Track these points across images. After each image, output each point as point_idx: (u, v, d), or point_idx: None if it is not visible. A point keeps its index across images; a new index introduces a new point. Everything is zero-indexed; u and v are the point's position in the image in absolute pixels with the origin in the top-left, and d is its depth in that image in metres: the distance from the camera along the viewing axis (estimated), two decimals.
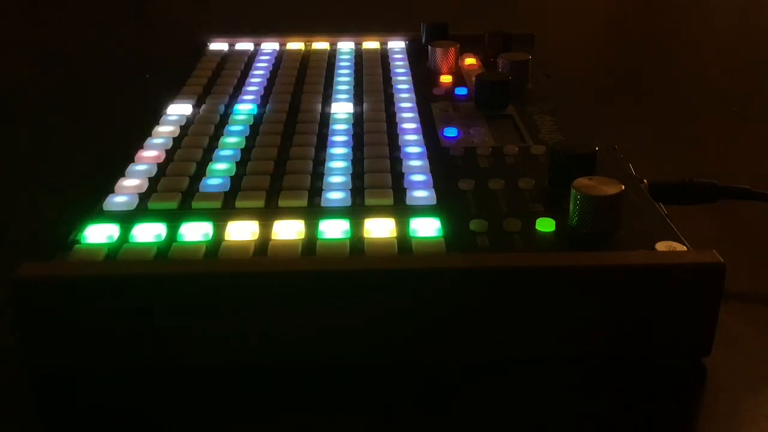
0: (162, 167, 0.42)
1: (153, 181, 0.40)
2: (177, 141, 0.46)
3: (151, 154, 0.44)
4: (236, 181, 0.40)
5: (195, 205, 0.38)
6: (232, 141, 0.45)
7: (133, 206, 0.38)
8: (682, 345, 0.33)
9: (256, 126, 0.48)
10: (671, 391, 0.32)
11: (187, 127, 0.48)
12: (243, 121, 0.48)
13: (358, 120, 0.49)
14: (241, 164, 0.42)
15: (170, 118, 0.49)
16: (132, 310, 0.31)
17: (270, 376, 0.33)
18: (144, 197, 0.39)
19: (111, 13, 1.05)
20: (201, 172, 0.42)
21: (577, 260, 0.32)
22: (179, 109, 0.50)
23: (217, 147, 0.45)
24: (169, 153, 0.44)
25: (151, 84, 0.71)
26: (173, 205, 0.38)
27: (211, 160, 0.43)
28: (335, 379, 0.33)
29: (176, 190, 0.39)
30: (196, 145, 0.45)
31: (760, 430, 0.30)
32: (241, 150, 0.44)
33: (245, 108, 0.51)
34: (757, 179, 0.45)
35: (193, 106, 0.51)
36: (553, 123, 0.48)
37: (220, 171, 0.41)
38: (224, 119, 0.49)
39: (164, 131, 0.47)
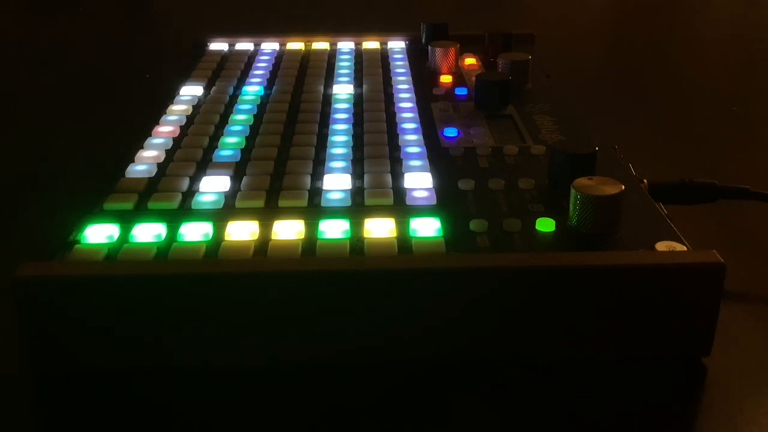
0: (163, 166, 0.42)
1: (155, 180, 0.41)
2: (177, 140, 0.46)
3: (151, 153, 0.44)
4: (236, 180, 0.40)
5: (195, 205, 0.38)
6: (232, 141, 0.45)
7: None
8: (682, 345, 0.33)
9: (256, 126, 0.48)
10: (671, 391, 0.32)
11: (187, 126, 0.48)
12: (243, 121, 0.48)
13: (358, 120, 0.49)
14: (241, 164, 0.42)
15: (170, 117, 0.49)
16: (132, 310, 0.31)
17: (270, 375, 0.33)
18: (144, 197, 0.39)
19: (111, 13, 1.06)
20: (201, 171, 0.42)
21: (577, 260, 0.32)
22: (180, 107, 0.51)
23: (217, 147, 0.45)
24: (169, 152, 0.44)
25: (151, 84, 0.71)
26: (173, 205, 0.38)
27: (211, 159, 0.43)
28: (335, 379, 0.33)
29: (176, 190, 0.39)
30: (196, 144, 0.45)
31: (760, 430, 0.30)
32: (242, 150, 0.44)
33: (245, 108, 0.51)
34: (756, 179, 0.45)
35: (194, 106, 0.51)
36: (553, 123, 0.48)
37: (220, 170, 0.41)
38: (224, 118, 0.49)
39: (164, 131, 0.47)
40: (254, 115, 0.49)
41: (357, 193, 0.39)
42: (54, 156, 0.55)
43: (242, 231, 0.35)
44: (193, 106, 0.51)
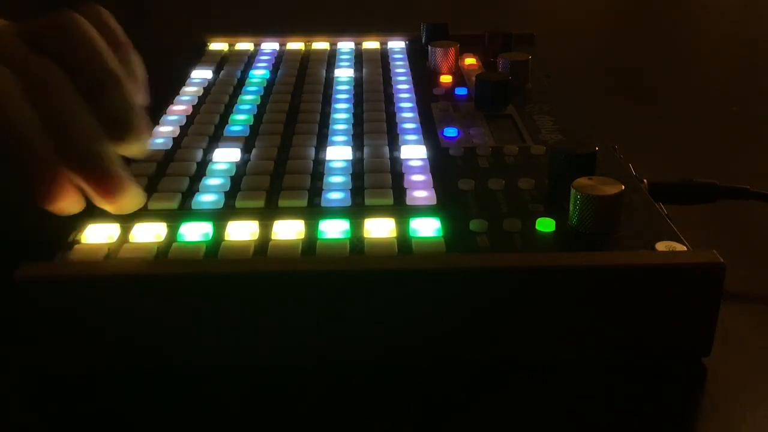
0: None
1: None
2: (177, 140, 0.46)
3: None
4: (236, 180, 0.40)
5: (195, 205, 0.38)
6: (232, 140, 0.45)
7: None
8: (682, 345, 0.33)
9: (256, 126, 0.48)
10: (671, 391, 0.32)
11: (187, 126, 0.48)
12: (243, 121, 0.48)
13: (358, 120, 0.49)
14: (241, 164, 0.42)
15: (171, 117, 0.49)
16: (132, 310, 0.31)
17: (270, 375, 0.33)
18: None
19: (110, 13, 1.05)
20: (201, 171, 0.42)
21: (577, 260, 0.32)
22: (181, 106, 0.51)
23: (217, 146, 0.45)
24: (169, 153, 0.44)
25: (151, 84, 0.71)
26: (173, 205, 0.38)
27: (211, 159, 0.43)
28: (335, 379, 0.33)
29: (176, 190, 0.39)
30: (196, 145, 0.45)
31: (760, 430, 0.30)
32: (242, 150, 0.44)
33: (246, 107, 0.51)
34: (756, 179, 0.45)
35: (194, 106, 0.51)
36: (553, 123, 0.48)
37: (220, 171, 0.41)
38: (225, 118, 0.49)
39: (164, 131, 0.47)
40: (255, 115, 0.49)
41: (357, 193, 0.39)
42: None
43: (242, 231, 0.35)
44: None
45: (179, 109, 0.50)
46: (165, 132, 0.47)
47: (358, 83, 0.55)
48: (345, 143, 0.45)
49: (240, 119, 0.48)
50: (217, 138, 0.46)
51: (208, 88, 0.54)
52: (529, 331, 0.33)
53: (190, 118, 0.49)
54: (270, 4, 1.04)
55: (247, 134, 0.46)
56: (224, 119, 0.49)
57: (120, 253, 0.34)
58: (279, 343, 0.32)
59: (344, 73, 0.57)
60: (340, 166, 0.42)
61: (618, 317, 0.32)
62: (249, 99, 0.52)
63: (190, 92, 0.53)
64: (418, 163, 0.42)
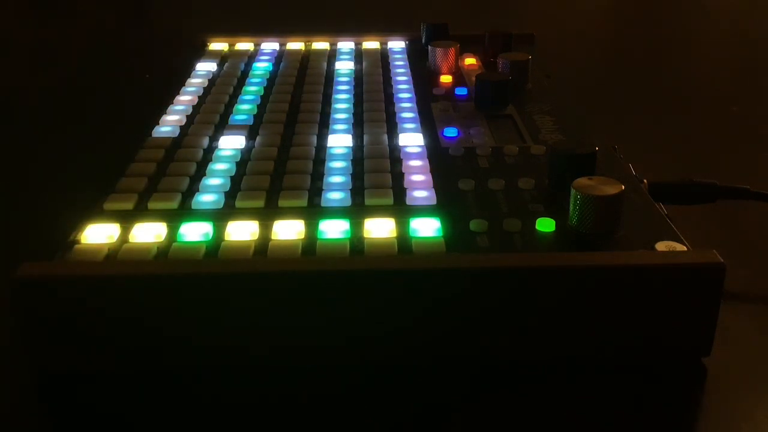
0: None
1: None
2: (177, 140, 0.46)
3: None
4: (236, 180, 0.40)
5: (195, 205, 0.38)
6: (231, 141, 0.45)
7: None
8: (682, 345, 0.33)
9: (256, 126, 0.48)
10: (671, 391, 0.32)
11: (188, 126, 0.48)
12: (243, 121, 0.48)
13: (358, 120, 0.49)
14: (240, 164, 0.42)
15: (170, 117, 0.49)
16: (132, 310, 0.31)
17: (270, 375, 0.33)
18: (144, 197, 0.39)
19: (111, 13, 1.06)
20: (201, 172, 0.42)
21: (577, 260, 0.32)
22: (181, 106, 0.51)
23: (217, 147, 0.45)
24: (169, 151, 0.44)
25: (151, 84, 0.71)
26: (173, 205, 0.38)
27: (210, 160, 0.43)
28: (334, 379, 0.33)
29: (176, 190, 0.39)
30: (196, 145, 0.45)
31: (759, 430, 0.30)
32: (241, 150, 0.44)
33: (245, 108, 0.51)
34: (756, 179, 0.45)
35: (194, 106, 0.51)
36: (553, 123, 0.48)
37: (220, 171, 0.41)
38: (224, 119, 0.49)
39: (164, 130, 0.47)
40: (254, 115, 0.49)
41: (357, 193, 0.39)
42: (54, 155, 0.55)
43: (242, 231, 0.35)
44: (195, 102, 0.53)
45: (173, 119, 0.49)
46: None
47: (358, 83, 0.56)
48: (344, 145, 0.45)
49: (239, 118, 0.49)
50: (216, 138, 0.46)
51: (208, 88, 0.54)
52: (528, 331, 0.33)
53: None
54: (270, 4, 1.04)
55: (246, 135, 0.46)
56: (224, 119, 0.49)
57: (120, 253, 0.34)
58: (279, 343, 0.32)
59: (344, 72, 0.57)
60: (340, 166, 0.42)
61: (618, 317, 0.32)
62: (248, 99, 0.52)
63: (184, 101, 0.52)
64: (418, 163, 0.42)
